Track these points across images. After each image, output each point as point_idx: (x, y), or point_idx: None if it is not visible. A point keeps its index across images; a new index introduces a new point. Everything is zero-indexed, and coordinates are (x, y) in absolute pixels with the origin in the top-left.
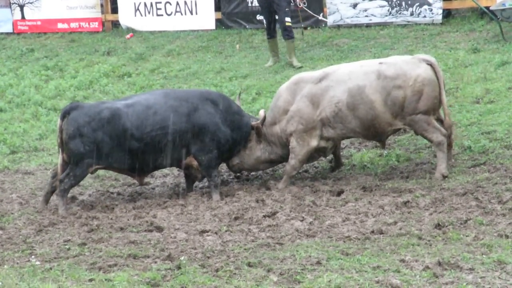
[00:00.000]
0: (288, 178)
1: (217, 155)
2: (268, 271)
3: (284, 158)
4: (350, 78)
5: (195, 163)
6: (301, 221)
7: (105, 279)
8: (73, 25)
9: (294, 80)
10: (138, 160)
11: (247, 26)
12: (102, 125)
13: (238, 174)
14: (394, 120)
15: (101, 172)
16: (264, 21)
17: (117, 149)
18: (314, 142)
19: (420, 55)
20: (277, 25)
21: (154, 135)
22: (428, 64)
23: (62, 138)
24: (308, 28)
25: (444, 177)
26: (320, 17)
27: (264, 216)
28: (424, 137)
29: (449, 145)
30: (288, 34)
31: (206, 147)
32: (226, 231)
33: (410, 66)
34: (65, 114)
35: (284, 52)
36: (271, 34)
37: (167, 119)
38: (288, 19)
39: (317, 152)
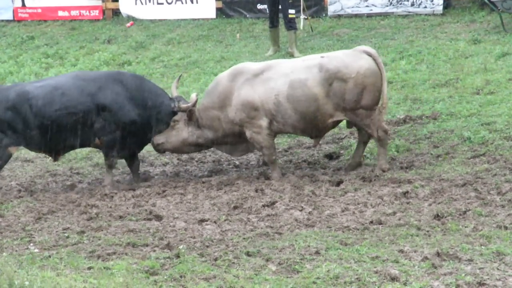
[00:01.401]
0: (274, 166)
1: (120, 136)
2: (267, 260)
3: (213, 143)
4: (292, 71)
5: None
6: (300, 211)
7: (104, 267)
8: (74, 13)
9: (236, 69)
10: (50, 140)
11: (247, 15)
12: (12, 106)
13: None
14: (335, 111)
15: (100, 160)
16: (267, 10)
17: (29, 130)
18: (264, 123)
19: (361, 46)
20: (280, 15)
21: (61, 115)
22: (369, 55)
23: None
24: (309, 17)
25: (384, 171)
26: (302, 16)
27: (263, 206)
28: (365, 131)
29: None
30: (291, 25)
31: (108, 127)
32: (225, 220)
33: (352, 59)
34: None
35: (285, 42)
36: (273, 24)
37: (73, 99)
38: (291, 10)
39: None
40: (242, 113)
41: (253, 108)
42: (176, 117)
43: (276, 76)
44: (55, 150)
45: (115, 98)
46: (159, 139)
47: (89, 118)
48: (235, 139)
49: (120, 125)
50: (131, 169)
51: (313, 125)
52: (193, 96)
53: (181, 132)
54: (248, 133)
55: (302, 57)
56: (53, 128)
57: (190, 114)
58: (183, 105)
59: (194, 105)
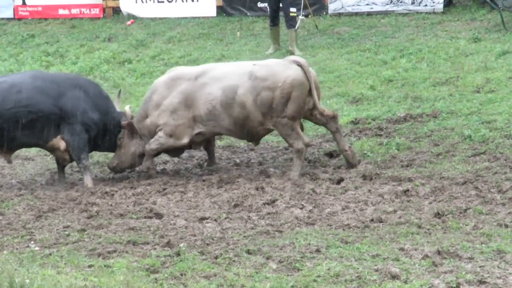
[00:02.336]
0: (148, 161)
1: (86, 138)
2: (267, 258)
3: (159, 152)
4: (225, 77)
5: (62, 144)
6: (301, 209)
7: (105, 265)
8: (74, 11)
9: (172, 75)
10: (2, 136)
11: (248, 14)
12: None
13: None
14: (265, 120)
15: (101, 157)
16: (268, 8)
17: None
18: (185, 140)
19: (291, 56)
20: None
21: (15, 113)
22: (298, 65)
23: None
24: (309, 16)
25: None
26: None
27: (264, 204)
28: (286, 141)
29: (338, 132)
30: (291, 23)
31: (73, 131)
32: (225, 218)
33: (281, 68)
34: None
35: (285, 40)
36: (274, 22)
37: (30, 99)
38: (292, 9)
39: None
40: (170, 119)
41: (182, 117)
42: (119, 135)
43: (211, 81)
44: (8, 148)
45: (79, 103)
46: (112, 162)
47: (49, 119)
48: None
49: (85, 128)
50: (58, 164)
51: (245, 130)
52: (127, 109)
53: (128, 147)
54: (160, 133)
55: (235, 63)
56: (7, 126)
57: (130, 128)
58: (123, 122)
59: (131, 118)
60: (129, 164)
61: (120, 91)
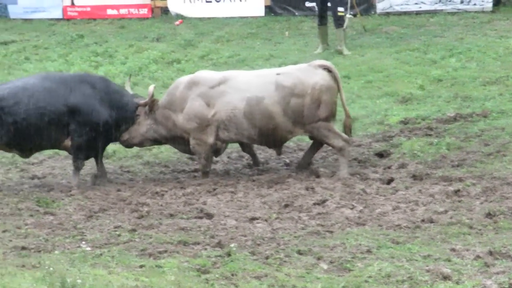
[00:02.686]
0: (205, 176)
1: (90, 138)
2: (318, 259)
3: (167, 141)
4: (248, 87)
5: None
6: (351, 209)
7: (155, 266)
8: (123, 11)
9: (195, 77)
10: (18, 140)
11: (296, 13)
12: None
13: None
14: (295, 128)
15: (150, 158)
16: (316, 8)
17: None
18: (210, 140)
19: (316, 61)
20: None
21: (29, 117)
22: (325, 69)
23: None
24: (357, 16)
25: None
26: (348, 15)
27: (314, 204)
28: (326, 143)
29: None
30: (339, 23)
31: (80, 129)
32: (276, 218)
33: (307, 74)
34: None
35: (333, 40)
36: (322, 21)
37: (41, 101)
38: (340, 8)
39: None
40: (193, 123)
41: (203, 121)
42: (137, 111)
43: (232, 90)
44: (27, 150)
45: (87, 100)
46: (124, 135)
47: (60, 120)
48: (184, 142)
49: (93, 127)
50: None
51: (271, 139)
52: (150, 88)
53: (141, 126)
54: (191, 142)
55: (257, 71)
56: (22, 130)
57: (152, 105)
58: (141, 101)
59: (152, 96)
60: (138, 142)
61: (130, 77)
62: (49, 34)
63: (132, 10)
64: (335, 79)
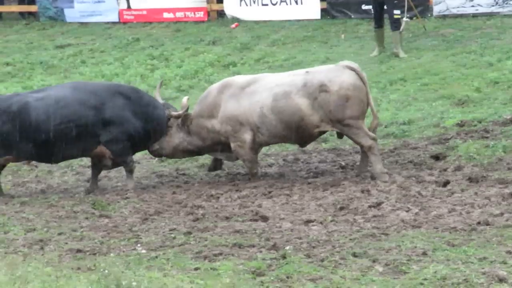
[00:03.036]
0: (255, 179)
1: (128, 145)
2: (374, 261)
3: (202, 151)
4: (277, 85)
5: (106, 152)
6: (407, 211)
7: (210, 268)
8: (179, 14)
9: (225, 82)
10: (47, 151)
11: (352, 16)
12: (11, 118)
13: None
14: (321, 123)
15: (206, 161)
16: (372, 11)
17: (25, 142)
18: (248, 137)
19: (344, 62)
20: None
21: (63, 128)
22: (351, 70)
23: None
24: (415, 18)
25: (384, 174)
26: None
27: (370, 207)
28: (354, 141)
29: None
30: (396, 25)
31: (116, 138)
32: (331, 221)
33: (335, 73)
34: None
35: (390, 42)
36: (379, 24)
37: (75, 112)
38: (396, 11)
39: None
40: (227, 126)
41: (238, 122)
42: (169, 123)
43: (261, 89)
44: (53, 160)
45: (120, 111)
46: (154, 145)
47: (92, 130)
48: (223, 147)
49: (126, 136)
50: (93, 169)
51: (298, 134)
52: (184, 100)
53: (173, 138)
54: (232, 146)
55: (287, 72)
56: (54, 141)
57: (185, 119)
58: (174, 113)
59: (186, 110)
60: (168, 153)
61: (161, 82)
62: (105, 37)
63: (188, 13)
64: (361, 80)
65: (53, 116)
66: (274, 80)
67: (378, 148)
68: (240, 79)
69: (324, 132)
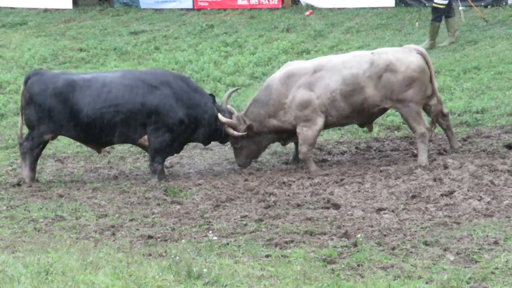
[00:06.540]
0: (310, 162)
1: (167, 140)
2: (445, 250)
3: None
4: (344, 66)
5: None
6: (479, 200)
7: (282, 255)
8: (253, 1)
9: (286, 73)
10: (88, 133)
11: (426, 4)
12: (56, 94)
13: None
14: (382, 102)
15: (278, 148)
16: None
17: (68, 120)
18: (320, 120)
19: (410, 45)
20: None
21: (105, 112)
22: (418, 53)
23: (22, 103)
24: (489, 7)
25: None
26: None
27: (442, 195)
28: (408, 124)
29: (449, 129)
30: (450, 15)
31: (158, 129)
32: (403, 209)
33: (402, 54)
34: (26, 80)
35: (460, 31)
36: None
37: (120, 98)
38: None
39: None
40: (298, 112)
41: (310, 108)
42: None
43: (329, 73)
44: (96, 143)
45: (165, 100)
46: (240, 161)
47: (136, 118)
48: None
49: (170, 127)
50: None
51: (361, 114)
52: (234, 116)
53: (250, 147)
54: (299, 129)
55: (352, 53)
56: (96, 125)
57: (249, 130)
58: (224, 119)
59: (245, 129)
60: (255, 157)
61: (237, 89)
62: (179, 24)
63: (262, 0)
64: (427, 64)
65: (98, 99)
66: (340, 62)
67: (429, 139)
68: (302, 65)
69: (384, 110)
